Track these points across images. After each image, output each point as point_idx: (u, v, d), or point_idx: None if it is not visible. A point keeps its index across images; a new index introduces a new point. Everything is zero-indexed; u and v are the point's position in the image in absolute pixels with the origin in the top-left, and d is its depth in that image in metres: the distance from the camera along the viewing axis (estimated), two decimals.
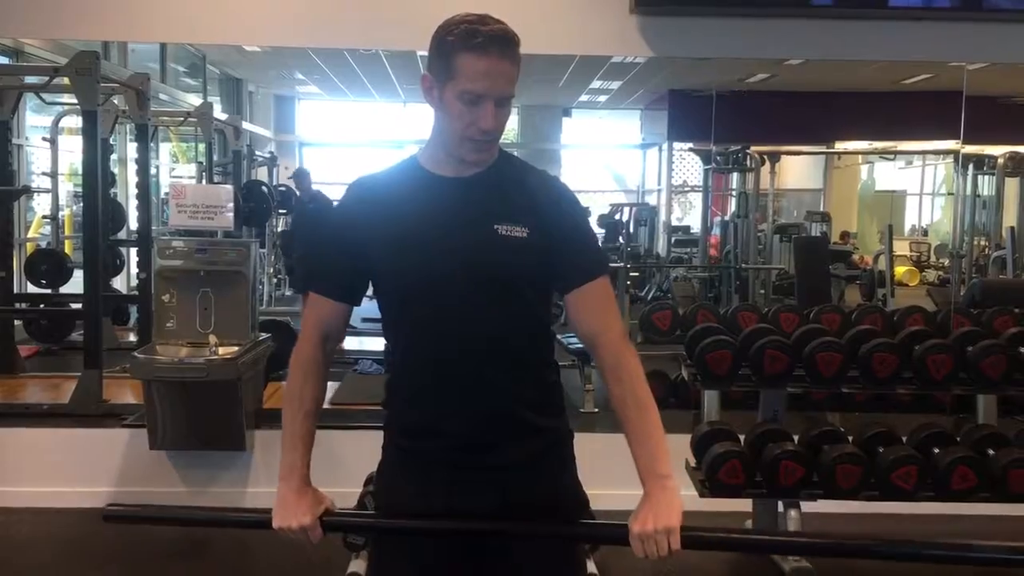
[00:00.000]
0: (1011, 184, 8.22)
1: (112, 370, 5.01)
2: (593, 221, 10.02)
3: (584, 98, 10.52)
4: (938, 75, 5.86)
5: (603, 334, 1.68)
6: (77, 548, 3.95)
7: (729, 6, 4.34)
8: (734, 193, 9.23)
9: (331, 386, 5.34)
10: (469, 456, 1.67)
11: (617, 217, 11.20)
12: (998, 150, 8.08)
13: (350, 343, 6.58)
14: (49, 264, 6.67)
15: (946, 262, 9.71)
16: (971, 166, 8.16)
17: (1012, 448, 3.54)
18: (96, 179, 4.87)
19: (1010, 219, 8.17)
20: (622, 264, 8.30)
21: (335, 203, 1.96)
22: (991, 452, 3.52)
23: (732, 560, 3.89)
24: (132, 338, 6.40)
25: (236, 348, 4.09)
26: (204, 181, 7.60)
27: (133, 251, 7.02)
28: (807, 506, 3.61)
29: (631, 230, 10.83)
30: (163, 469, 4.28)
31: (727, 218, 9.51)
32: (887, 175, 11.17)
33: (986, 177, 8.39)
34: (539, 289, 1.73)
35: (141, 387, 4.18)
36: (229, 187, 4.89)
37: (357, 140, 11.36)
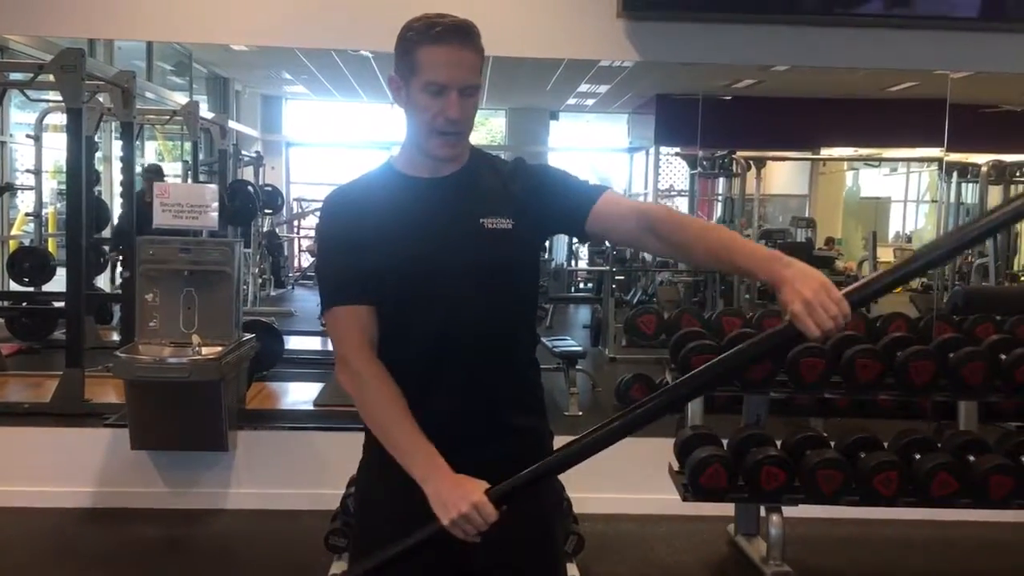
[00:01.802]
0: (994, 192, 8.27)
1: (94, 369, 4.98)
2: None
3: (571, 101, 10.53)
4: (923, 83, 5.90)
5: (644, 214, 1.68)
6: (58, 548, 3.92)
7: (716, 11, 4.36)
8: (720, 198, 9.27)
9: (315, 388, 5.39)
10: (452, 454, 1.66)
11: None
12: (981, 158, 8.14)
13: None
14: (32, 262, 6.64)
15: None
16: (955, 174, 8.21)
17: (992, 454, 3.57)
18: (80, 177, 4.84)
19: None
20: (608, 268, 8.33)
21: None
22: (971, 458, 3.55)
23: (715, 564, 3.91)
24: (115, 337, 6.36)
25: (219, 348, 4.07)
26: (190, 180, 7.57)
27: None
28: (789, 510, 3.62)
29: None
30: (145, 469, 4.26)
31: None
32: (872, 182, 11.23)
33: (970, 185, 8.45)
34: (527, 285, 1.75)
35: (123, 386, 4.16)
36: (214, 186, 4.86)
37: (344, 140, 11.33)
